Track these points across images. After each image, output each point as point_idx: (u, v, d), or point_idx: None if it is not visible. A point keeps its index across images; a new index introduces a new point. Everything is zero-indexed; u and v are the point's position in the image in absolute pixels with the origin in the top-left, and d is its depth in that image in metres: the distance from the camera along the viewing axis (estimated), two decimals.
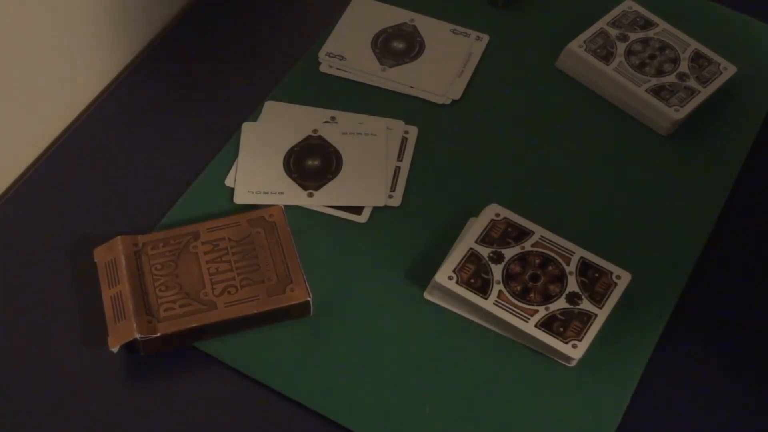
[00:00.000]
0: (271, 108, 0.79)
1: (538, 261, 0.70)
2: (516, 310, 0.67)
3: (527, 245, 0.70)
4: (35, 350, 0.67)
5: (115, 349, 0.64)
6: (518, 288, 0.68)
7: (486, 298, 0.68)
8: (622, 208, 0.76)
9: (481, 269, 0.69)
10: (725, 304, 0.72)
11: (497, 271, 0.69)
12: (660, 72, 0.81)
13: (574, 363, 0.67)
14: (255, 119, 0.79)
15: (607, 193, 0.77)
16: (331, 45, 0.84)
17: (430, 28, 0.86)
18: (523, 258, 0.70)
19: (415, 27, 0.86)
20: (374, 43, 0.84)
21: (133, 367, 0.66)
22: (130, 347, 0.66)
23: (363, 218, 0.74)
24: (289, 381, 0.66)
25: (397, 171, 0.76)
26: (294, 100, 0.80)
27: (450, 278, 0.68)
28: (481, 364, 0.67)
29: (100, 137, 0.78)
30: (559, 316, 0.67)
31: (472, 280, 0.68)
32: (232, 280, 0.68)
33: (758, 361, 0.69)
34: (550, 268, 0.69)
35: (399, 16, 0.86)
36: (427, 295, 0.70)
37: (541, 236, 0.71)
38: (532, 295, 0.68)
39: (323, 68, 0.83)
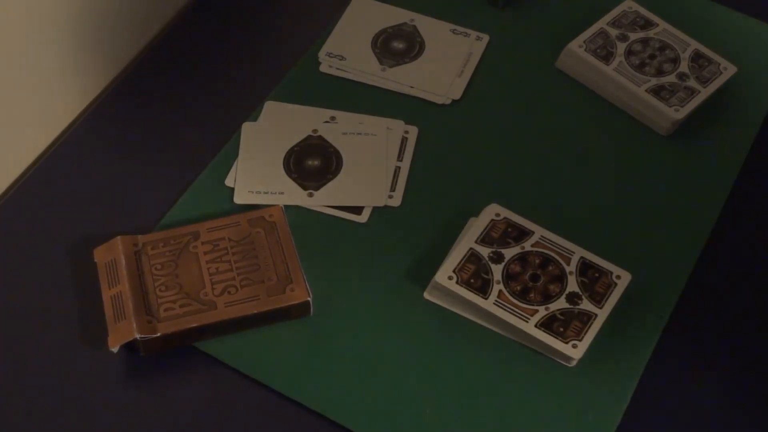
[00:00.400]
0: (271, 108, 0.79)
1: (538, 261, 0.70)
2: (516, 310, 0.67)
3: (527, 245, 0.70)
4: (35, 350, 0.67)
5: (115, 349, 0.64)
6: (518, 288, 0.68)
7: (486, 298, 0.68)
8: (622, 207, 0.76)
9: (481, 269, 0.69)
10: (725, 304, 0.72)
11: (497, 271, 0.69)
12: (660, 72, 0.81)
13: (574, 363, 0.67)
14: (255, 119, 0.79)
15: (607, 193, 0.77)
16: (331, 45, 0.84)
17: (430, 28, 0.86)
18: (523, 258, 0.70)
19: (415, 27, 0.86)
20: (374, 43, 0.84)
21: (133, 367, 0.66)
22: (130, 347, 0.66)
23: (363, 218, 0.74)
24: (289, 381, 0.66)
25: (397, 171, 0.76)
26: (294, 100, 0.80)
27: (450, 278, 0.68)
28: (481, 364, 0.67)
29: (101, 137, 0.78)
30: (559, 316, 0.67)
31: (472, 280, 0.68)
32: (232, 280, 0.68)
33: (758, 360, 0.69)
34: (550, 268, 0.69)
35: (399, 16, 0.86)
36: (427, 295, 0.70)
37: (541, 236, 0.71)
38: (532, 295, 0.68)
39: (323, 68, 0.83)
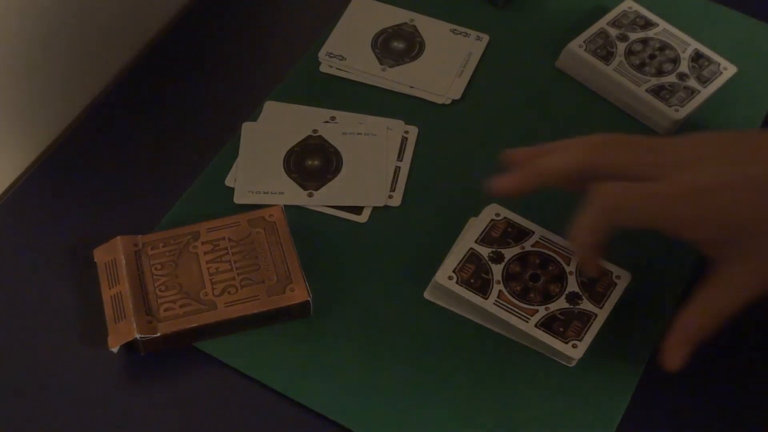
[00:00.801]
0: (271, 108, 0.79)
1: (538, 261, 0.70)
2: (516, 310, 0.67)
3: (527, 245, 0.70)
4: (35, 350, 0.67)
5: (115, 349, 0.64)
6: (518, 288, 0.68)
7: (486, 298, 0.68)
8: None
9: (481, 269, 0.69)
10: None
11: (497, 271, 0.69)
12: (660, 72, 0.81)
13: (574, 363, 0.67)
14: (255, 119, 0.79)
15: None
16: (331, 45, 0.84)
17: (430, 28, 0.86)
18: (523, 258, 0.70)
19: (415, 27, 0.86)
20: (374, 43, 0.84)
21: (133, 367, 0.66)
22: (130, 347, 0.66)
23: (363, 218, 0.74)
24: (289, 381, 0.66)
25: (397, 171, 0.76)
26: (294, 100, 0.80)
27: (450, 278, 0.68)
28: (481, 365, 0.67)
29: (101, 136, 0.78)
30: (559, 316, 0.67)
31: (472, 280, 0.68)
32: (232, 280, 0.68)
33: (759, 361, 0.69)
34: (550, 267, 0.69)
35: (399, 16, 0.86)
36: (427, 295, 0.70)
37: (541, 236, 0.71)
38: (532, 295, 0.68)
39: (323, 68, 0.83)
